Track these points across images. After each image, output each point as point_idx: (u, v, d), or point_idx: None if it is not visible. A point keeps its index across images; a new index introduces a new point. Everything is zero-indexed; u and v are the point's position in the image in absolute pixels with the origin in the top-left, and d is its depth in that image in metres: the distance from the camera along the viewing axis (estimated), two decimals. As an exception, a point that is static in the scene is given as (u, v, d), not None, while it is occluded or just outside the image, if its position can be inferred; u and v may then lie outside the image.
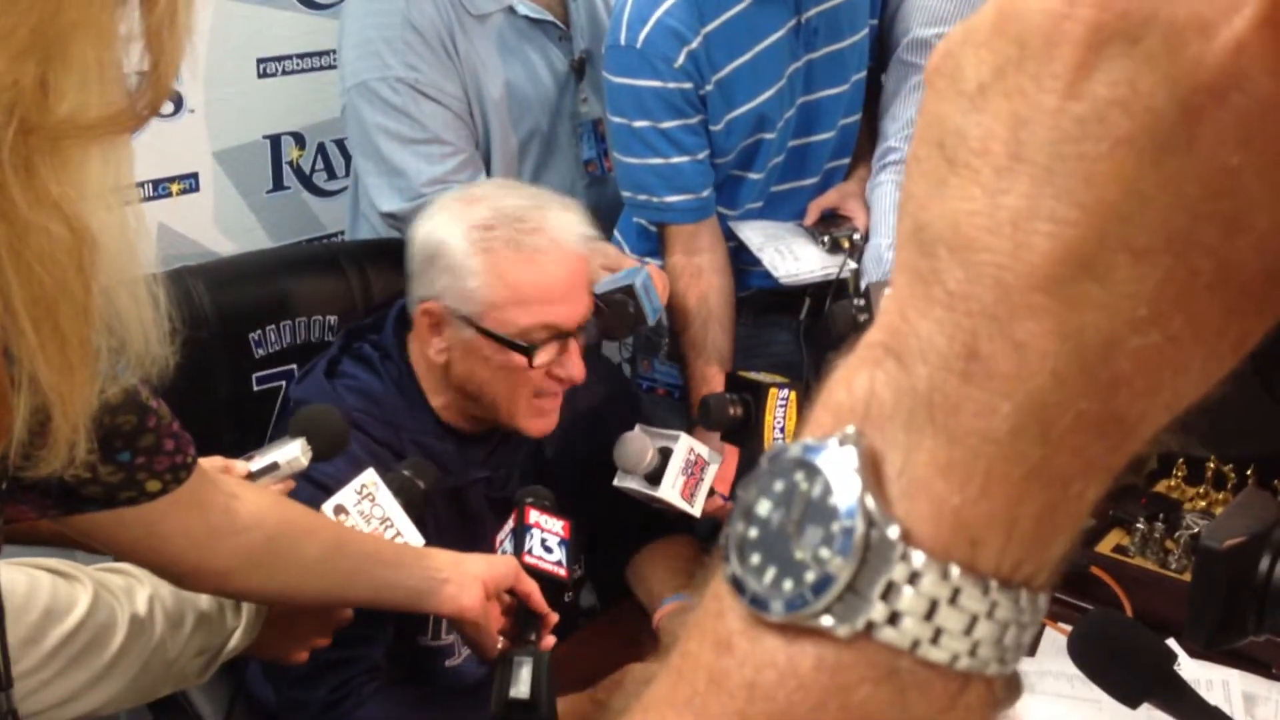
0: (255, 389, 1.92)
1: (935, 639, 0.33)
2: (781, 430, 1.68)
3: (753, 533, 0.35)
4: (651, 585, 1.78)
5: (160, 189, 2.31)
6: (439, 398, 1.68)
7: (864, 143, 2.18)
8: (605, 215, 2.23)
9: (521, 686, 1.30)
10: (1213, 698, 1.50)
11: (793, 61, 1.99)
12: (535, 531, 1.46)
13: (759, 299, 2.13)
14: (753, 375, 1.73)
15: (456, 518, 1.66)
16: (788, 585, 0.34)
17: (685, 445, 1.72)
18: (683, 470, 1.71)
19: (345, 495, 1.42)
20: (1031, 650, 0.93)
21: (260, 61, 2.41)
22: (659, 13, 1.88)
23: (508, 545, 1.48)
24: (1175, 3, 0.30)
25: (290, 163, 2.53)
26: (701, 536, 1.90)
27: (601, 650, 1.69)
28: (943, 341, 0.33)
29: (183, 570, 1.12)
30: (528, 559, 1.43)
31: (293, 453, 1.37)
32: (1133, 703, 1.03)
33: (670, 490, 1.69)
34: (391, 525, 1.43)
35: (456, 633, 1.65)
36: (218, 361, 1.88)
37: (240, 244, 2.41)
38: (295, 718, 1.52)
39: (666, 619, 1.69)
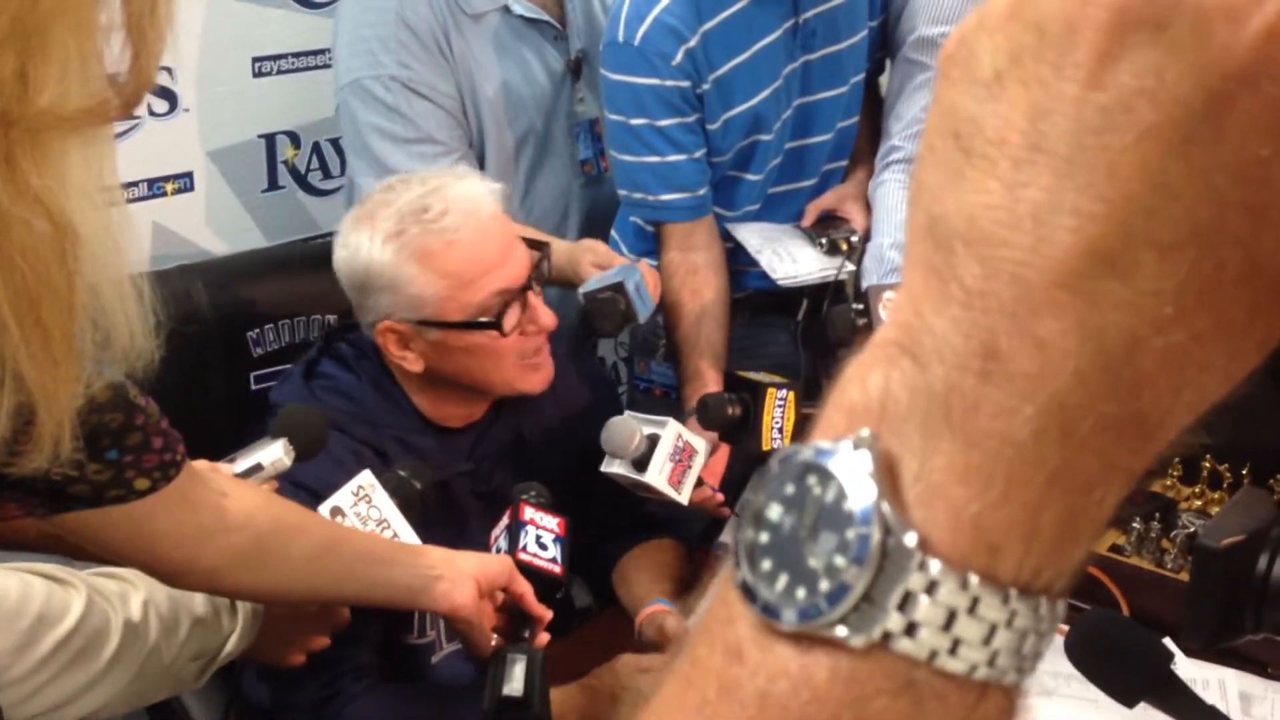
0: (253, 388, 1.92)
1: (953, 649, 0.32)
2: (780, 430, 1.68)
3: (764, 538, 0.34)
4: (635, 589, 1.77)
5: (154, 188, 2.30)
6: (417, 394, 1.69)
7: (862, 145, 2.18)
8: (601, 215, 2.23)
9: (515, 684, 1.29)
10: (1209, 697, 1.50)
11: (790, 62, 1.98)
12: (530, 528, 1.46)
13: (756, 300, 2.13)
14: (751, 375, 1.73)
15: (443, 511, 1.66)
16: (801, 593, 0.33)
17: (673, 431, 1.71)
18: (670, 456, 1.70)
19: (342, 497, 1.41)
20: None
21: (255, 60, 2.41)
22: (657, 10, 1.88)
23: (502, 542, 1.47)
24: None
25: (285, 162, 2.52)
26: (687, 540, 1.89)
27: (596, 650, 1.69)
28: (960, 340, 0.31)
29: (173, 569, 1.11)
30: (522, 556, 1.43)
31: (276, 453, 1.36)
32: (1130, 702, 1.03)
33: (657, 476, 1.68)
34: (388, 527, 1.42)
35: (440, 627, 1.65)
36: (215, 360, 1.87)
37: (235, 244, 2.40)
38: (287, 719, 1.52)
39: (646, 623, 1.68)
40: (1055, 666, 1.42)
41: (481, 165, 2.08)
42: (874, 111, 2.18)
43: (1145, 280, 0.30)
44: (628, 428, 1.68)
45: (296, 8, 2.46)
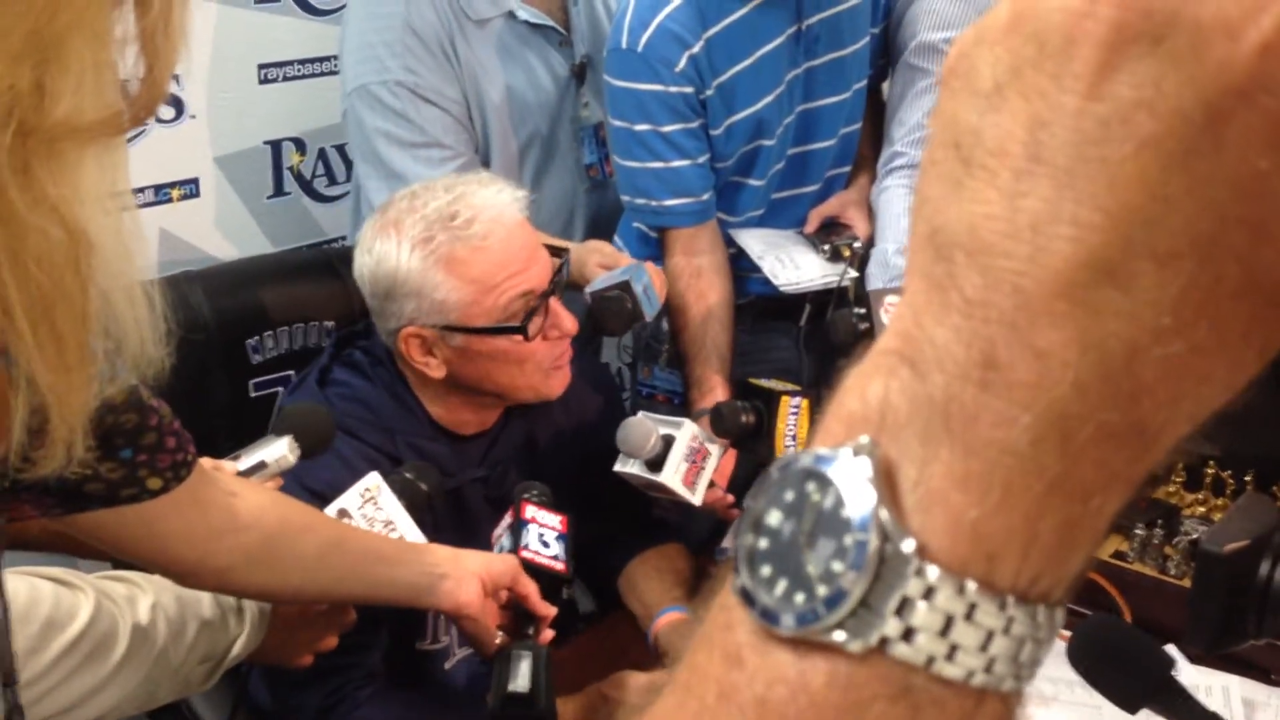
0: (252, 395, 1.92)
1: (950, 655, 0.32)
2: (793, 438, 1.68)
3: (763, 544, 0.34)
4: (645, 596, 1.77)
5: (161, 194, 2.31)
6: (433, 402, 1.69)
7: (865, 151, 2.18)
8: (606, 220, 2.23)
9: (520, 680, 1.30)
10: (1212, 703, 1.50)
11: (793, 68, 1.99)
12: (532, 526, 1.46)
13: (759, 305, 2.13)
14: (764, 383, 1.73)
15: (455, 518, 1.67)
16: (799, 599, 0.33)
17: (689, 432, 1.72)
18: (685, 457, 1.71)
19: (349, 499, 1.42)
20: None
21: (261, 67, 2.42)
22: (661, 17, 1.88)
23: (505, 540, 1.48)
24: (1199, 3, 0.29)
25: (291, 168, 2.53)
26: (694, 546, 1.89)
27: (599, 656, 1.69)
28: (960, 349, 0.32)
29: (184, 568, 1.12)
30: (525, 554, 1.43)
31: (280, 451, 1.36)
32: (1132, 708, 1.03)
33: (672, 476, 1.69)
34: (395, 528, 1.43)
35: (454, 633, 1.65)
36: (215, 367, 1.88)
37: (241, 249, 2.41)
38: None
39: (665, 632, 1.68)
40: (1058, 673, 1.42)
41: (487, 170, 2.09)
42: (876, 117, 2.19)
43: (1144, 291, 0.30)
44: (644, 428, 1.68)
45: (302, 15, 2.47)
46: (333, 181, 2.60)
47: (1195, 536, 1.74)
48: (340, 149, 2.57)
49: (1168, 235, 0.30)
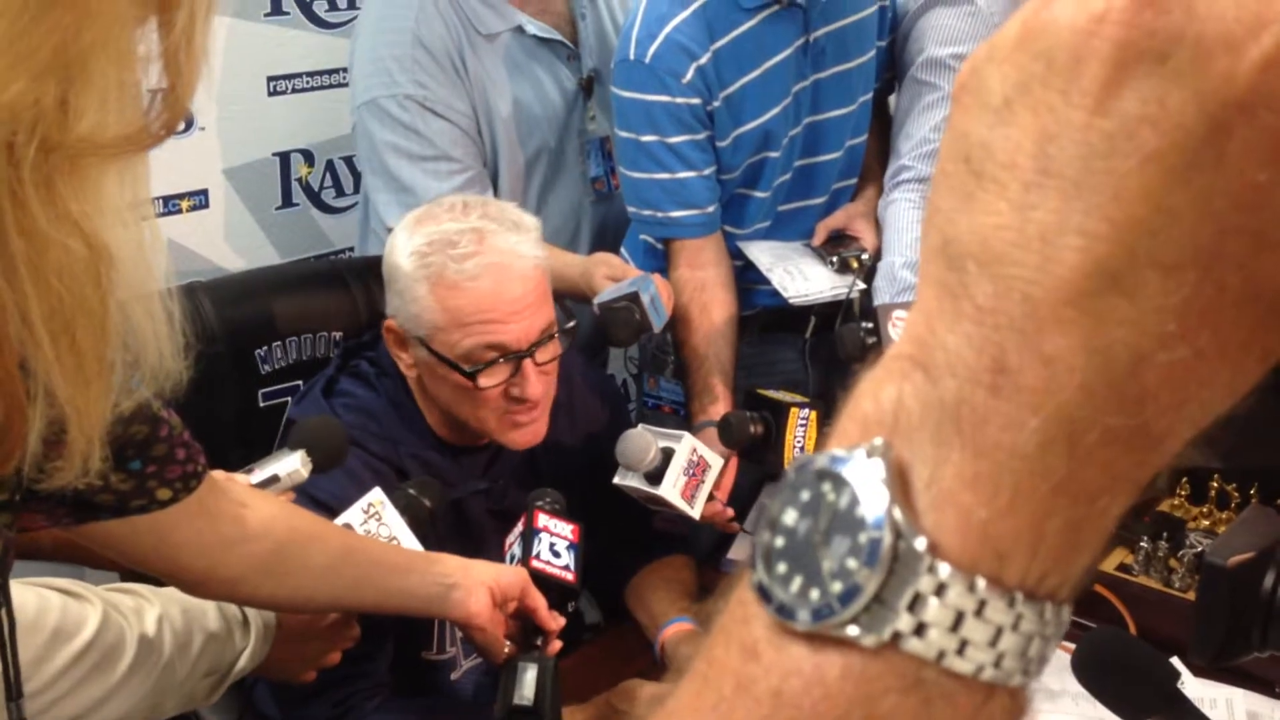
0: (261, 405, 1.92)
1: (961, 650, 0.33)
2: (801, 449, 1.69)
3: (779, 542, 0.35)
4: (652, 606, 1.77)
5: (170, 205, 2.32)
6: (431, 413, 1.70)
7: (871, 164, 2.19)
8: (612, 232, 2.24)
9: (525, 691, 1.31)
10: (1216, 716, 1.50)
11: (800, 80, 2.00)
12: (544, 535, 1.47)
13: (764, 317, 2.14)
14: (773, 394, 1.74)
15: (457, 529, 1.67)
16: (814, 595, 0.34)
17: (688, 445, 1.72)
18: (684, 470, 1.71)
19: (352, 514, 1.42)
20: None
21: (271, 80, 2.43)
22: (669, 28, 1.90)
23: (516, 549, 1.48)
24: (1202, 21, 0.30)
25: (299, 180, 2.54)
26: (700, 557, 1.90)
27: (606, 667, 1.69)
28: (971, 355, 0.33)
29: (194, 578, 1.13)
30: (535, 564, 1.44)
31: (293, 464, 1.37)
32: (1136, 720, 1.03)
33: (671, 489, 1.69)
34: (398, 544, 1.43)
35: (460, 643, 1.66)
36: (224, 377, 1.88)
37: (249, 260, 2.42)
38: None
39: (672, 642, 1.69)
40: (1062, 684, 1.43)
41: (495, 182, 2.10)
42: (883, 130, 2.20)
43: (1149, 298, 0.31)
44: (643, 441, 1.69)
45: (311, 28, 2.49)
46: (341, 193, 2.62)
47: (1200, 549, 1.74)
48: (348, 161, 2.58)
49: (1172, 245, 0.31)
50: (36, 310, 0.62)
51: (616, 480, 1.71)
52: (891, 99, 2.24)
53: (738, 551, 1.94)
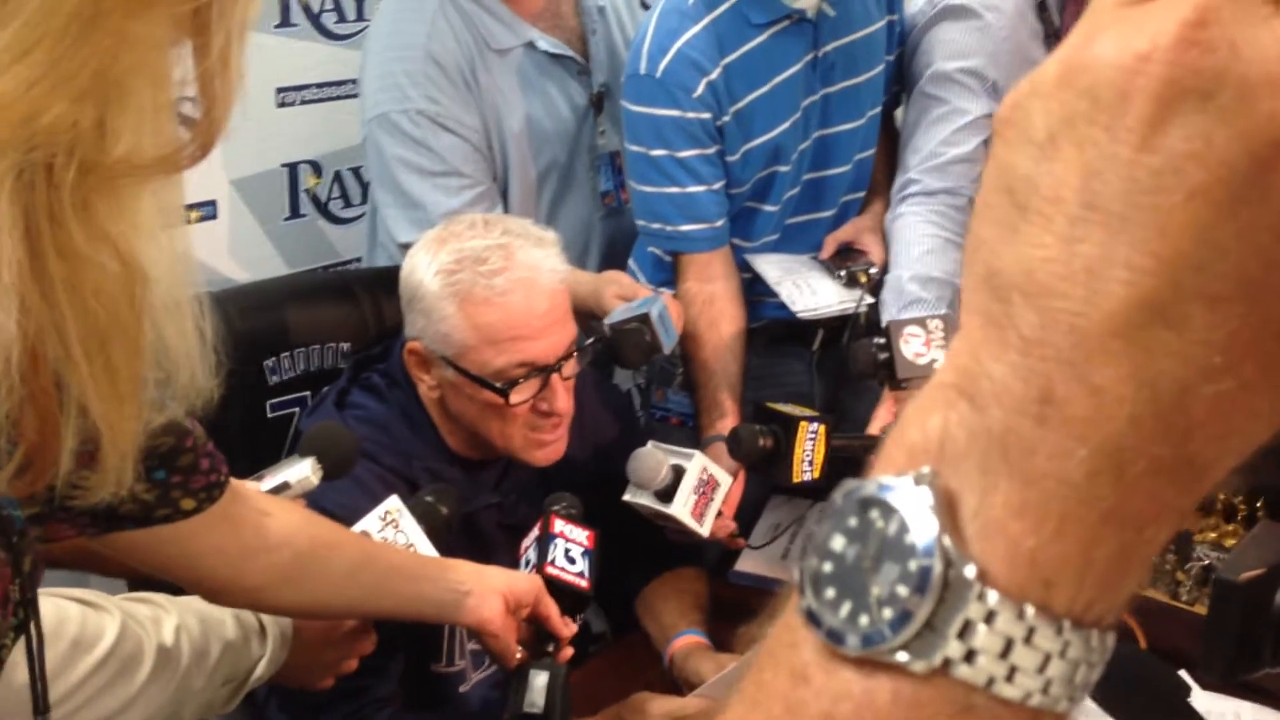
0: (269, 416, 1.93)
1: (1010, 677, 0.33)
2: (810, 463, 1.69)
3: (827, 567, 0.36)
4: (662, 618, 1.77)
5: (179, 216, 2.32)
6: (445, 426, 1.70)
7: (879, 178, 2.20)
8: (622, 247, 2.25)
9: (536, 698, 1.31)
10: (1224, 730, 1.50)
11: (809, 95, 2.01)
12: (560, 541, 1.47)
13: (772, 329, 2.14)
14: (782, 407, 1.74)
15: (469, 543, 1.67)
16: (864, 620, 0.34)
17: (699, 464, 1.73)
18: (695, 489, 1.72)
19: (369, 522, 1.43)
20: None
21: (279, 91, 2.44)
22: (679, 43, 1.90)
23: (531, 554, 1.49)
24: (1246, 62, 0.31)
25: (307, 190, 2.55)
26: (707, 570, 1.90)
27: (612, 678, 1.70)
28: (1018, 385, 0.33)
29: (216, 586, 1.14)
30: (550, 570, 1.44)
31: (303, 472, 1.38)
32: (1147, 734, 1.04)
33: (682, 508, 1.70)
34: (415, 551, 1.44)
35: (470, 656, 1.66)
36: (231, 388, 1.86)
37: (257, 271, 2.43)
38: None
39: (681, 654, 1.69)
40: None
41: (505, 198, 2.10)
42: (890, 144, 2.20)
43: (1195, 331, 0.32)
44: (654, 459, 1.69)
45: (319, 39, 2.50)
46: (348, 204, 2.62)
47: (1207, 562, 1.75)
48: (356, 172, 2.59)
49: (1217, 279, 0.31)
50: (73, 329, 0.63)
51: (626, 497, 1.71)
52: (898, 113, 2.25)
53: (745, 564, 1.95)
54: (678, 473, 1.70)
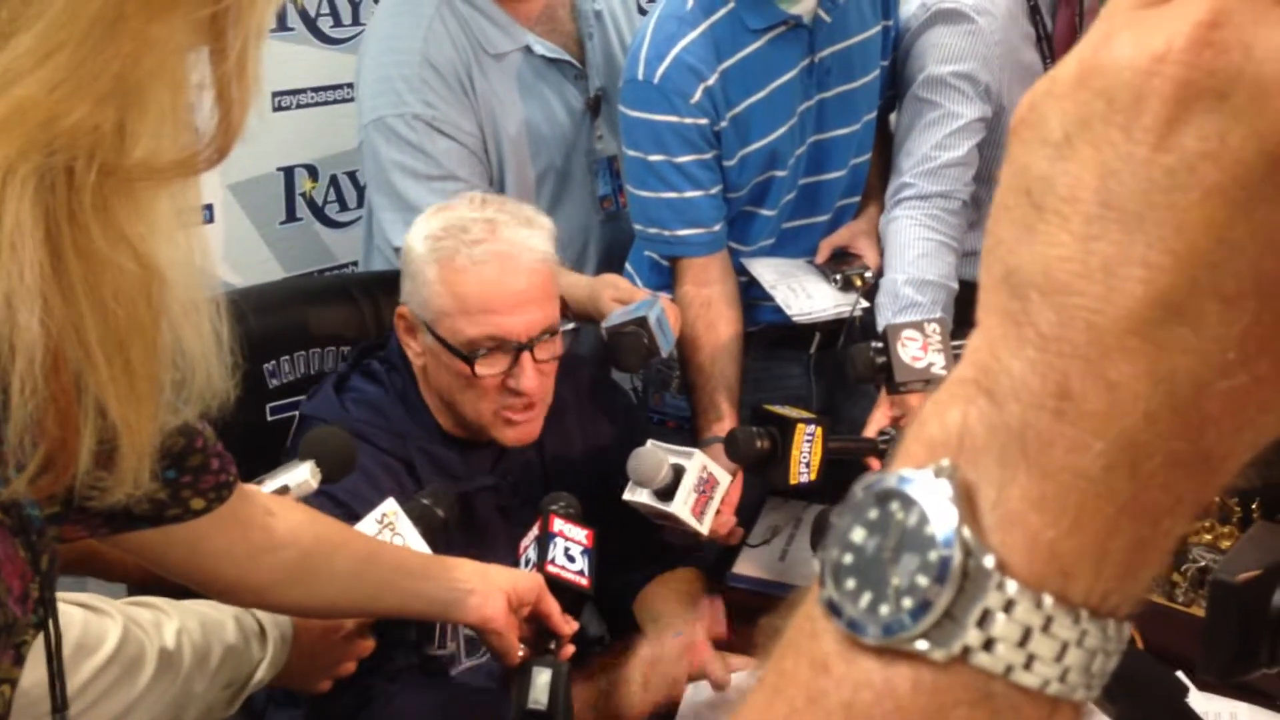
0: (269, 419, 1.93)
1: (1028, 665, 0.34)
2: (807, 465, 1.70)
3: (848, 559, 0.36)
4: (661, 619, 1.78)
5: (176, 220, 2.33)
6: (435, 405, 1.73)
7: (874, 182, 2.20)
8: (619, 251, 2.25)
9: (539, 695, 1.32)
10: (1221, 730, 1.51)
11: (805, 101, 2.02)
12: (559, 540, 1.48)
13: (769, 333, 2.15)
14: (779, 409, 1.75)
15: (464, 524, 1.69)
16: (884, 610, 0.35)
17: (699, 463, 1.74)
18: (695, 488, 1.72)
19: (366, 525, 1.44)
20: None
21: (275, 95, 2.45)
22: (677, 49, 1.91)
23: (531, 553, 1.50)
24: (1260, 62, 0.32)
25: (303, 194, 2.55)
26: (705, 570, 1.91)
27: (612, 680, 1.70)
28: (1035, 380, 0.34)
29: (224, 586, 1.15)
30: (550, 568, 1.45)
31: (302, 475, 1.40)
32: (1146, 735, 1.04)
33: (682, 507, 1.71)
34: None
35: (460, 641, 1.67)
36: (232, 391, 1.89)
37: (253, 275, 2.43)
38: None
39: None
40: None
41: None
42: (884, 148, 2.21)
43: (1211, 328, 0.32)
44: (655, 458, 1.70)
45: (316, 43, 2.50)
46: (344, 207, 2.63)
47: (1202, 564, 1.76)
48: (352, 175, 2.60)
49: (1232, 276, 0.32)
50: (93, 330, 0.63)
51: (626, 496, 1.72)
52: (893, 117, 2.26)
53: (742, 567, 1.95)
54: (678, 471, 1.71)
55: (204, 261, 0.71)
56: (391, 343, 1.77)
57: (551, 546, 1.47)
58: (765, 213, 2.08)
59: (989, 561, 0.34)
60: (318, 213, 2.59)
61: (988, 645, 0.34)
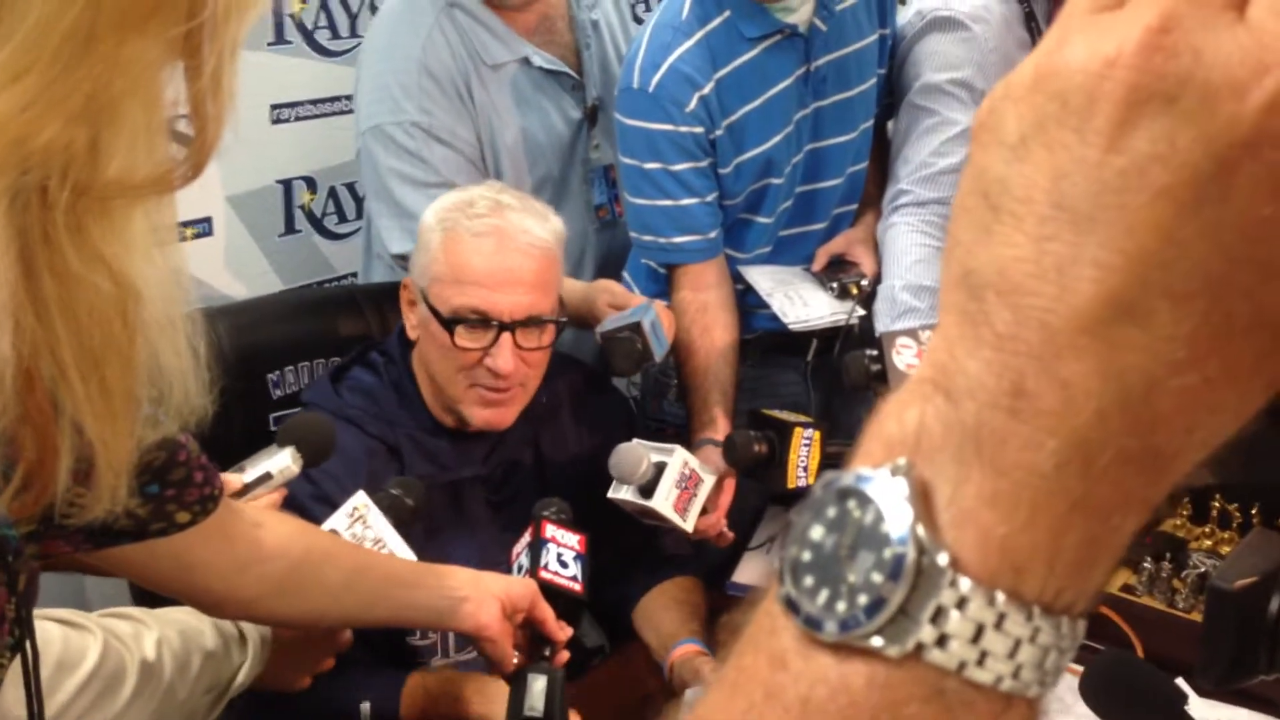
0: (272, 429, 1.93)
1: (981, 661, 0.34)
2: (805, 469, 1.70)
3: (806, 556, 0.37)
4: (661, 627, 1.78)
5: (175, 233, 2.33)
6: (428, 390, 1.75)
7: (870, 189, 2.20)
8: (616, 259, 2.26)
9: (535, 702, 1.32)
10: (1222, 737, 1.50)
11: (801, 109, 2.02)
12: (551, 546, 1.49)
13: (765, 340, 2.15)
14: (777, 414, 1.75)
15: (452, 514, 1.70)
16: (840, 607, 0.35)
17: (680, 458, 1.73)
18: (677, 483, 1.72)
19: (337, 519, 1.45)
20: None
21: (274, 107, 2.45)
22: (672, 58, 1.92)
23: (524, 559, 1.50)
24: (1209, 66, 0.32)
25: (302, 206, 2.56)
26: (704, 579, 1.90)
27: (609, 691, 1.70)
28: (991, 380, 0.34)
29: (212, 599, 1.15)
30: (544, 574, 1.46)
31: (284, 461, 1.41)
32: (1145, 742, 1.04)
33: (663, 502, 1.71)
34: (384, 545, 1.46)
35: (450, 636, 1.67)
36: (234, 401, 1.88)
37: (252, 287, 2.44)
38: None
39: (681, 664, 1.69)
40: (1069, 707, 1.43)
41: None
42: (881, 156, 2.21)
43: (1161, 327, 0.33)
44: (635, 454, 1.70)
45: (314, 56, 2.51)
46: (343, 219, 2.63)
47: (1203, 570, 1.75)
48: (350, 187, 2.60)
49: (1182, 276, 0.32)
50: (68, 349, 0.63)
51: (610, 494, 1.72)
52: (889, 124, 2.26)
53: (743, 574, 1.95)
54: (659, 468, 1.71)
55: (181, 277, 0.70)
56: (392, 338, 1.80)
57: (544, 552, 1.47)
58: (762, 220, 2.08)
59: (942, 559, 0.34)
60: (316, 224, 2.59)
61: (941, 642, 0.34)
